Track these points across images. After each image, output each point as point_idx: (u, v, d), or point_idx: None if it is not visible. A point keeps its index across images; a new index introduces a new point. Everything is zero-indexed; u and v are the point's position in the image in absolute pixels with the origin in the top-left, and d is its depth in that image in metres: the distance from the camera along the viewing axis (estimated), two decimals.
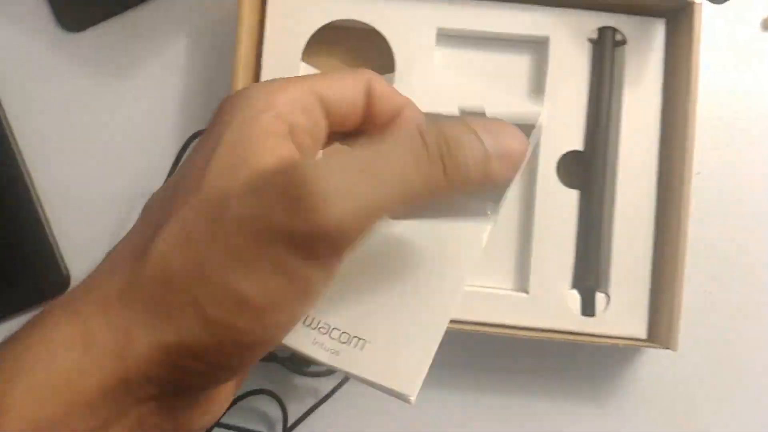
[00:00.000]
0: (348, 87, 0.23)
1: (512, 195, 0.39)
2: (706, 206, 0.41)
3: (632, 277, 0.38)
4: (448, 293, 0.26)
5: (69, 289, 0.21)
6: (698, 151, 0.37)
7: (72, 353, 0.19)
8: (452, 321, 0.37)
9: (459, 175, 0.20)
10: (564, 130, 0.39)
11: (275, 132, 0.21)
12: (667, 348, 0.36)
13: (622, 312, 0.38)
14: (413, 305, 0.26)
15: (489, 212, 0.25)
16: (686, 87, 0.37)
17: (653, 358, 0.41)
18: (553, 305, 0.38)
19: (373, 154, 0.20)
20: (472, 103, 0.26)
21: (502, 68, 0.40)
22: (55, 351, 0.19)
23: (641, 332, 0.38)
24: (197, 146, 0.22)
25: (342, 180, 0.19)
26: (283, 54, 0.38)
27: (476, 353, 0.41)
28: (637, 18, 0.39)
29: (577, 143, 0.39)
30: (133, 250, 0.21)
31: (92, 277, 0.21)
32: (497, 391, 0.41)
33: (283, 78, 0.23)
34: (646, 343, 0.37)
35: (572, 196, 0.38)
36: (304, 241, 0.19)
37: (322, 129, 0.23)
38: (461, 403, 0.41)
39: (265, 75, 0.38)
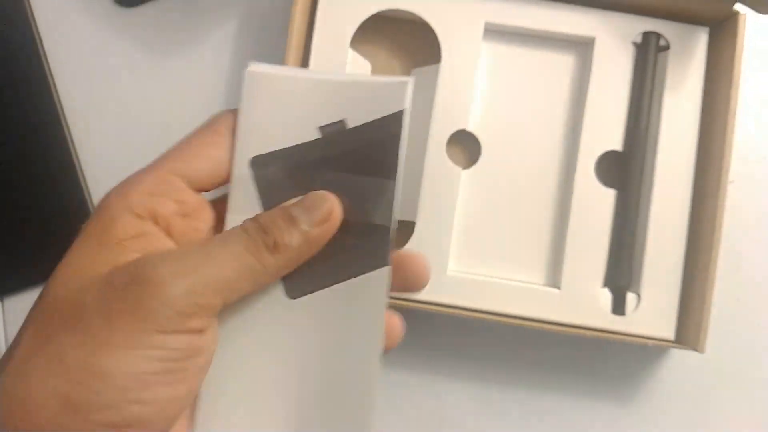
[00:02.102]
0: (205, 154, 0.26)
1: (550, 191, 0.40)
2: (739, 214, 0.41)
3: (663, 279, 0.38)
4: (367, 348, 0.26)
5: None
6: (734, 160, 0.37)
7: None
8: (481, 310, 0.38)
9: (284, 251, 0.24)
10: (604, 130, 0.39)
11: (131, 233, 0.23)
12: (695, 350, 0.36)
13: (651, 312, 0.38)
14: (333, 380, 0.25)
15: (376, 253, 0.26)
16: (726, 96, 0.37)
17: (680, 359, 0.41)
18: (584, 302, 0.38)
19: (205, 250, 0.23)
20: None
21: (546, 66, 0.41)
22: None
23: (669, 334, 0.38)
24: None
25: (179, 267, 0.22)
26: (333, 39, 0.39)
27: (504, 345, 0.41)
28: (681, 25, 0.40)
29: (616, 144, 0.39)
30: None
31: None
32: (522, 385, 0.41)
33: (140, 170, 0.25)
34: (674, 344, 0.38)
35: (609, 195, 0.39)
36: (155, 312, 0.21)
37: (195, 202, 0.25)
38: (486, 394, 0.41)
39: (314, 59, 0.39)
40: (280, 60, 0.37)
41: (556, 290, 0.38)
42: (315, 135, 0.26)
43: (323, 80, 0.26)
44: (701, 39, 0.40)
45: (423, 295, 0.37)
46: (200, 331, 0.23)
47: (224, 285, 0.23)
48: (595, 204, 0.39)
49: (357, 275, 0.26)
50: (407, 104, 0.26)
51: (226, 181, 0.26)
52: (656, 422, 0.41)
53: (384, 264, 0.26)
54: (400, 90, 0.26)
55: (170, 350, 0.22)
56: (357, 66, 0.40)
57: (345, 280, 0.26)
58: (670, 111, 0.39)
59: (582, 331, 0.38)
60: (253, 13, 0.43)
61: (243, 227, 0.24)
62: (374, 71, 0.41)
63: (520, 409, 0.41)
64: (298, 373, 0.25)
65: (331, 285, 0.26)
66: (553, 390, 0.41)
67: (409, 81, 0.26)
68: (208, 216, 0.26)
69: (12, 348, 0.22)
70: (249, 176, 0.26)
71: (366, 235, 0.26)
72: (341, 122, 0.26)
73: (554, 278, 0.39)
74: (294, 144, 0.26)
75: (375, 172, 0.26)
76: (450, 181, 0.39)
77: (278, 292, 0.26)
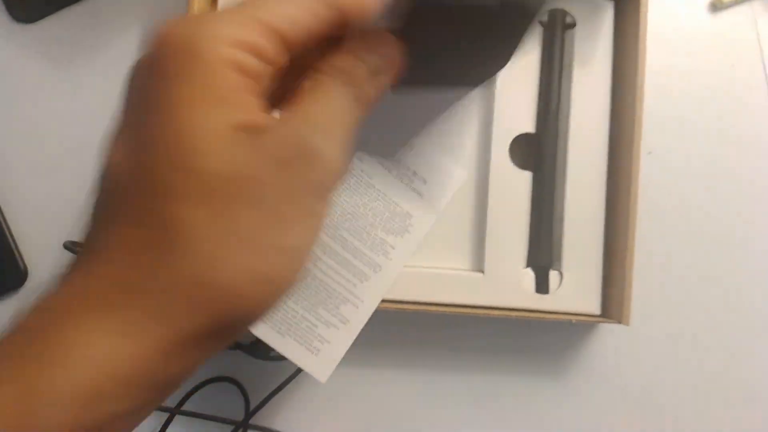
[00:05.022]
0: (303, 11, 0.22)
1: (467, 176, 0.40)
2: (655, 183, 0.42)
3: (584, 255, 0.39)
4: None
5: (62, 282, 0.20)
6: (648, 132, 0.38)
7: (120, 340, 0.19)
8: (410, 301, 0.38)
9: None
10: (516, 112, 0.39)
11: (237, 85, 0.20)
12: (620, 323, 0.37)
13: (575, 289, 0.39)
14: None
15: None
16: (634, 69, 0.38)
17: (607, 333, 0.42)
18: (508, 284, 0.38)
19: (323, 110, 0.23)
20: None
21: None
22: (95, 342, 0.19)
23: (595, 308, 0.39)
24: (155, 100, 0.20)
25: (326, 131, 0.22)
26: None
27: (434, 333, 0.42)
28: (587, 0, 0.40)
29: (529, 126, 0.39)
30: (150, 239, 0.20)
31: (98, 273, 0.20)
32: (456, 369, 0.42)
33: (227, 11, 0.21)
34: (600, 319, 0.38)
35: (525, 177, 0.39)
36: (324, 186, 0.22)
37: (272, 62, 0.22)
38: (421, 383, 0.41)
39: None
40: None
41: (480, 274, 0.39)
42: None
43: None
44: (607, 13, 0.40)
45: None
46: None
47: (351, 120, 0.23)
48: (512, 187, 0.39)
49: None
50: None
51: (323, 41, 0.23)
52: (590, 394, 0.42)
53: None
54: None
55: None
56: None
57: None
58: (581, 88, 0.39)
59: (509, 312, 0.38)
60: (154, 16, 0.42)
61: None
62: None
63: (454, 393, 0.42)
64: None
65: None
66: (485, 372, 0.42)
67: None
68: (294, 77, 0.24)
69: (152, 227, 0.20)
70: None
71: None
72: None
73: (477, 263, 0.39)
74: None
75: None
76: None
77: None
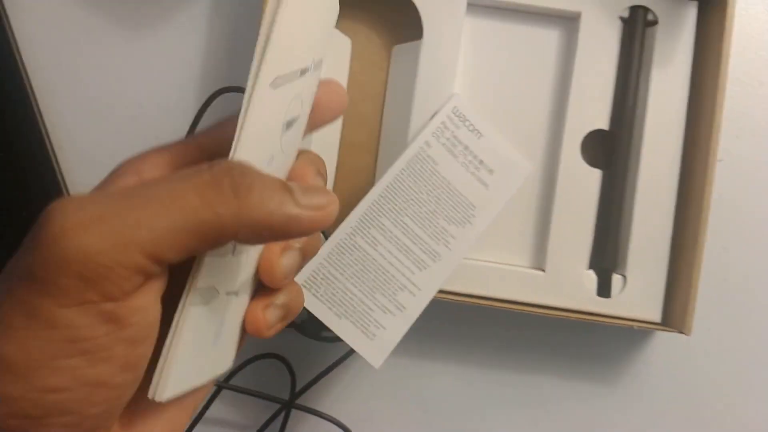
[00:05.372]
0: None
1: (534, 172, 0.39)
2: (726, 193, 0.41)
3: (650, 261, 0.38)
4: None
5: None
6: (722, 139, 0.37)
7: None
8: (467, 294, 0.37)
9: (252, 198, 0.18)
10: (591, 108, 0.38)
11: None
12: (681, 332, 0.36)
13: (637, 294, 0.38)
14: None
15: None
16: (715, 72, 0.36)
17: (665, 341, 0.41)
18: (569, 284, 0.38)
19: (143, 187, 0.18)
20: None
21: (531, 42, 0.39)
22: None
23: (656, 316, 0.38)
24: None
25: (93, 210, 0.17)
26: None
27: (488, 328, 0.41)
28: None
29: (602, 122, 0.38)
30: None
31: None
32: (507, 368, 0.41)
33: (161, 145, 0.20)
34: (660, 327, 0.37)
35: (595, 175, 0.38)
36: (49, 278, 0.17)
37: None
38: (470, 378, 0.41)
39: None
40: (251, 38, 0.36)
41: (540, 272, 0.38)
42: None
43: None
44: (690, 13, 0.38)
45: None
46: (120, 299, 0.18)
47: (154, 237, 0.17)
48: (581, 184, 0.38)
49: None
50: None
51: None
52: (640, 404, 0.41)
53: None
54: None
55: (77, 328, 0.17)
56: (336, 42, 0.39)
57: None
58: (658, 88, 0.38)
59: (567, 314, 0.37)
60: None
61: (209, 164, 0.18)
62: (354, 48, 0.40)
63: (503, 391, 0.41)
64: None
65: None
66: (537, 372, 0.41)
67: None
68: None
69: None
70: None
71: None
72: None
73: (539, 260, 0.39)
74: None
75: None
76: None
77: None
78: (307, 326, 0.38)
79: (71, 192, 0.41)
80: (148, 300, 0.19)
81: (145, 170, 0.20)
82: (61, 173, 0.41)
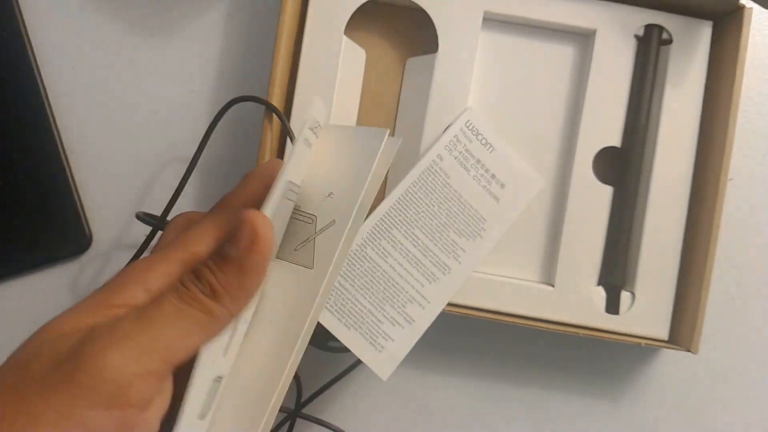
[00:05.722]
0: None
1: (546, 186, 0.39)
2: (736, 213, 0.41)
3: (658, 278, 0.38)
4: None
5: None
6: (733, 158, 0.37)
7: None
8: (476, 308, 0.37)
9: (225, 292, 0.23)
10: (603, 125, 0.38)
11: (131, 303, 0.23)
12: (688, 350, 0.36)
13: (645, 312, 0.38)
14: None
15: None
16: (729, 92, 0.36)
17: (673, 359, 0.41)
18: (577, 300, 0.38)
19: (140, 309, 0.23)
20: None
21: (545, 58, 0.39)
22: None
23: (663, 333, 0.38)
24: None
25: (121, 331, 0.21)
26: (326, 26, 0.38)
27: (496, 342, 0.41)
28: (685, 18, 0.39)
29: (615, 139, 0.38)
30: None
31: None
32: (513, 382, 0.41)
33: (156, 255, 0.24)
34: (667, 345, 0.37)
35: (606, 192, 0.38)
36: (87, 383, 0.20)
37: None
38: (476, 391, 0.41)
39: (307, 45, 0.38)
40: (266, 48, 0.36)
41: (550, 288, 0.38)
42: None
43: None
44: (705, 33, 0.39)
45: None
46: (142, 405, 0.21)
47: (165, 346, 0.22)
48: (592, 201, 0.38)
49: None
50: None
51: None
52: (646, 421, 0.41)
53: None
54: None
55: (94, 430, 0.20)
56: (351, 53, 0.39)
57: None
58: (671, 107, 0.38)
59: (575, 330, 0.37)
60: None
61: (179, 281, 0.23)
62: (369, 60, 0.40)
63: (510, 405, 0.41)
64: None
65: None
66: (544, 387, 0.41)
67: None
68: None
69: None
70: None
71: None
72: None
73: (548, 275, 0.39)
74: None
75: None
76: None
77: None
78: (315, 336, 0.38)
79: (81, 195, 0.41)
80: (155, 416, 0.22)
81: (150, 281, 0.23)
82: (72, 177, 0.41)
